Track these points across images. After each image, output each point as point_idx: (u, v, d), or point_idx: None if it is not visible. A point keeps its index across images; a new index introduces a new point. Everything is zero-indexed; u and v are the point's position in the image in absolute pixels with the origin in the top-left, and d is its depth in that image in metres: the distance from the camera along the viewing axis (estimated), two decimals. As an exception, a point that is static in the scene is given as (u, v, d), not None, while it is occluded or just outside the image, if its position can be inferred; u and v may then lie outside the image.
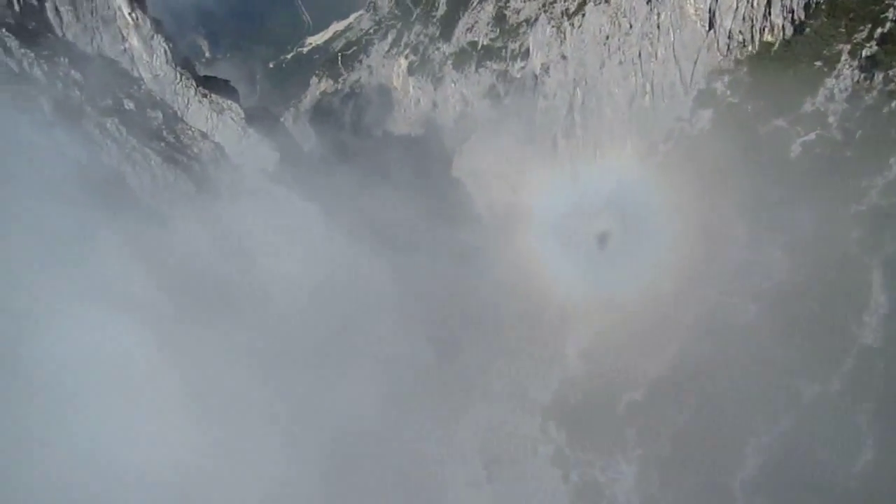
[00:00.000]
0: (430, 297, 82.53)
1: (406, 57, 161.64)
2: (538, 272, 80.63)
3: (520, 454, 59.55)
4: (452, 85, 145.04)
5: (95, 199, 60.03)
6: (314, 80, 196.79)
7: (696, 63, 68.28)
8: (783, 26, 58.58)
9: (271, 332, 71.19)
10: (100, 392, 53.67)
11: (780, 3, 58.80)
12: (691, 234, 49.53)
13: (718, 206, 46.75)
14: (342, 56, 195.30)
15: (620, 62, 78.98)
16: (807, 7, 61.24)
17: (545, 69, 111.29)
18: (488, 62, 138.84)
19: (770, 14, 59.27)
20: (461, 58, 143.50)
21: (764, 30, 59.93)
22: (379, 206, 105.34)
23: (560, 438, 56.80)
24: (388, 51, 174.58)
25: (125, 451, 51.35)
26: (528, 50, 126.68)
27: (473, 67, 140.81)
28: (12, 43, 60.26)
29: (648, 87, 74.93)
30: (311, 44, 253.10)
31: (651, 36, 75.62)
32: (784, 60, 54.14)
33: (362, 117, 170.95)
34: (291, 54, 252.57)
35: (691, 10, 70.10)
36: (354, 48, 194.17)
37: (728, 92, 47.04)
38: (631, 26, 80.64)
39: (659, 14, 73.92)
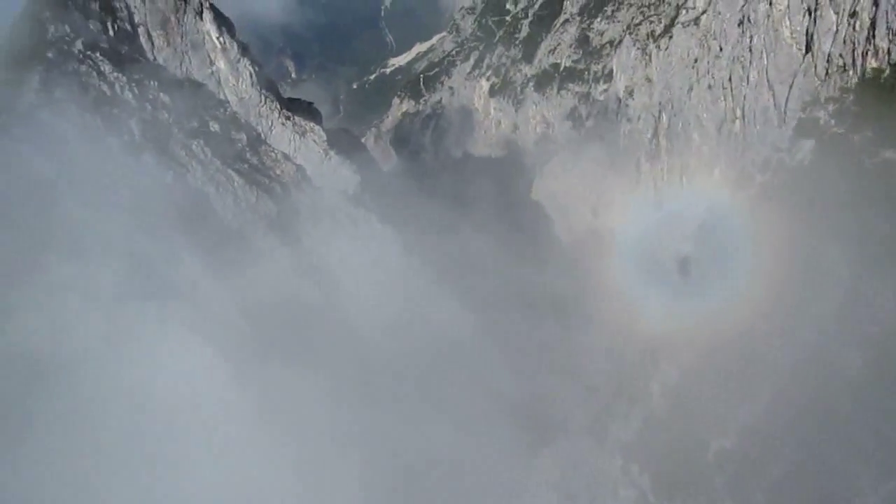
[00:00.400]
0: (510, 329, 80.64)
1: (488, 78, 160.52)
2: (621, 302, 77.76)
3: (599, 494, 56.51)
4: (534, 107, 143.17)
5: (180, 221, 60.47)
6: (396, 101, 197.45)
7: (791, 88, 64.71)
8: (889, 49, 54.71)
9: (350, 358, 70.46)
10: (180, 417, 53.65)
11: (885, 25, 54.93)
12: (789, 270, 45.74)
13: (820, 241, 43.07)
14: (424, 77, 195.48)
15: (709, 86, 75.78)
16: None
17: (629, 92, 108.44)
18: (570, 84, 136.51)
19: (874, 37, 55.45)
20: (543, 80, 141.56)
21: (867, 53, 56.10)
22: (457, 229, 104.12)
23: (643, 483, 53.35)
24: (470, 72, 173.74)
25: (204, 473, 51.24)
26: (611, 72, 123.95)
27: (555, 89, 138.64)
28: (105, 67, 61.38)
29: (739, 113, 71.49)
30: (393, 65, 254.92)
31: (743, 59, 72.28)
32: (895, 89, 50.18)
33: (443, 138, 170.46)
34: (374, 75, 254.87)
35: (787, 33, 66.64)
36: (436, 69, 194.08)
37: (832, 121, 43.62)
38: (721, 49, 77.41)
39: (752, 37, 70.59)
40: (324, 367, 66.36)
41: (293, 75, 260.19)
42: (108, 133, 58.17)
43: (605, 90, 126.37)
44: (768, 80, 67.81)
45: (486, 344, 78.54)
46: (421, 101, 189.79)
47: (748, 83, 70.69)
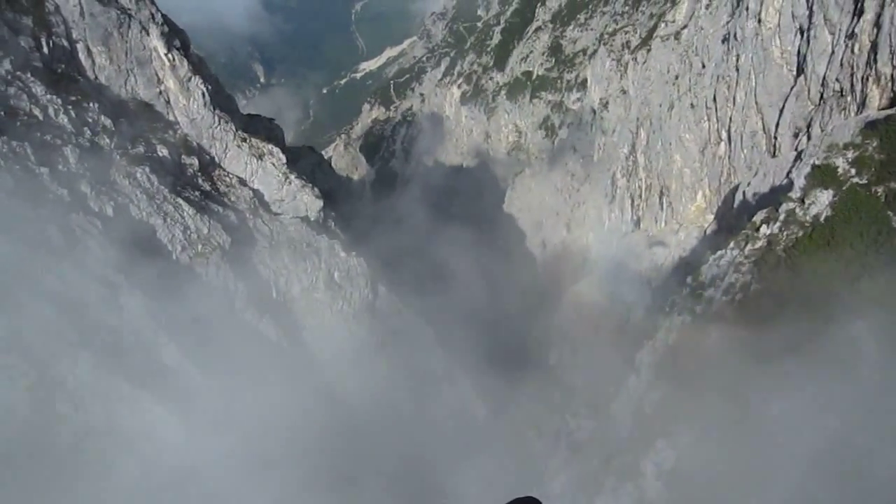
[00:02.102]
0: (482, 375, 74.76)
1: (459, 86, 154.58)
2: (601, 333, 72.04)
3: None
4: (506, 115, 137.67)
5: (122, 258, 53.60)
6: (366, 107, 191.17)
7: (782, 112, 59.26)
8: (892, 76, 49.32)
9: (314, 397, 64.26)
10: (126, 468, 47.47)
11: (888, 49, 49.54)
12: (812, 343, 38.96)
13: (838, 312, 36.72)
14: (394, 84, 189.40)
15: (692, 105, 70.18)
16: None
17: (604, 104, 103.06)
18: (543, 93, 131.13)
19: (876, 62, 50.03)
20: (515, 88, 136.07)
21: (867, 79, 50.69)
22: (428, 251, 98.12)
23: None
24: (441, 79, 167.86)
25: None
26: (585, 81, 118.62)
27: (528, 98, 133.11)
28: (38, 88, 54.12)
29: (724, 135, 66.02)
30: (364, 69, 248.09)
31: (728, 78, 66.78)
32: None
33: (414, 146, 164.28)
34: (345, 80, 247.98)
35: (777, 53, 61.21)
36: (407, 76, 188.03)
37: (852, 171, 38.14)
38: (703, 66, 71.98)
39: (738, 55, 65.07)
40: (286, 406, 60.27)
41: (262, 80, 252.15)
42: (37, 164, 51.07)
43: (579, 99, 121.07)
44: (756, 103, 62.29)
45: (460, 382, 72.86)
46: (391, 107, 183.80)
47: (734, 104, 65.18)
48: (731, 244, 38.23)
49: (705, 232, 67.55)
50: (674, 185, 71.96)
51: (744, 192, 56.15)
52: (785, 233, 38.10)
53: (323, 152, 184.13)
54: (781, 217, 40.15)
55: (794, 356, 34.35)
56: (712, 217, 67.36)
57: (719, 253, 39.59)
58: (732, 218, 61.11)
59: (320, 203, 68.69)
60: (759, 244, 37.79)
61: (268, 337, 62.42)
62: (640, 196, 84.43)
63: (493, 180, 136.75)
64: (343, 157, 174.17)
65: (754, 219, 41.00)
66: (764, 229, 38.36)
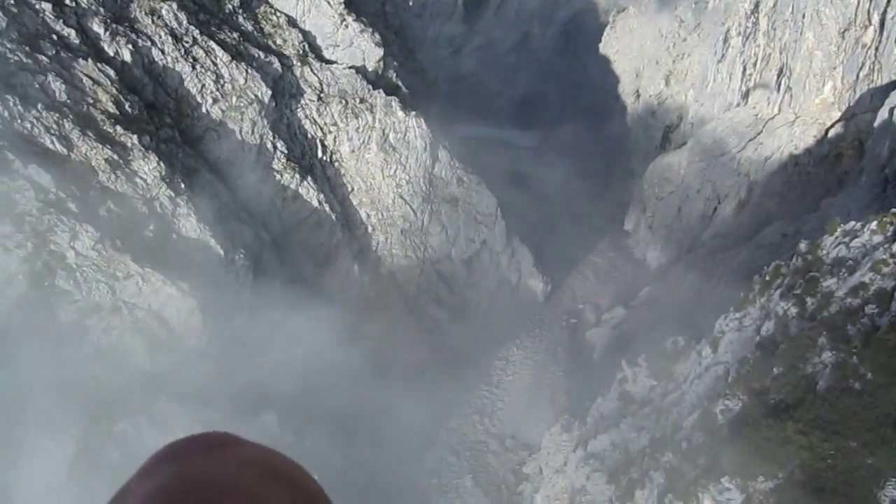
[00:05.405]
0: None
1: None
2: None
3: None
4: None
5: (135, 113, 45.08)
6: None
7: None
8: None
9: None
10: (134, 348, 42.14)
11: None
12: None
13: None
14: None
15: (842, -31, 53.56)
16: None
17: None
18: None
19: None
20: None
21: None
22: (508, 88, 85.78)
23: None
24: None
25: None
26: None
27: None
28: None
29: (876, 19, 50.29)
30: None
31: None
32: None
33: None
34: None
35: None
36: None
37: None
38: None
39: None
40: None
41: None
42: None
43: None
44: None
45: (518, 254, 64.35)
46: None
47: (898, -22, 48.97)
48: (874, 224, 26.68)
49: (826, 133, 53.97)
50: (798, 68, 57.12)
51: (891, 110, 42.41)
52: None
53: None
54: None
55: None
56: (838, 115, 53.46)
57: (852, 225, 28.09)
58: (864, 129, 47.58)
59: (380, 52, 57.53)
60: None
61: (309, 202, 54.42)
62: (755, 66, 69.20)
63: (592, 13, 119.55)
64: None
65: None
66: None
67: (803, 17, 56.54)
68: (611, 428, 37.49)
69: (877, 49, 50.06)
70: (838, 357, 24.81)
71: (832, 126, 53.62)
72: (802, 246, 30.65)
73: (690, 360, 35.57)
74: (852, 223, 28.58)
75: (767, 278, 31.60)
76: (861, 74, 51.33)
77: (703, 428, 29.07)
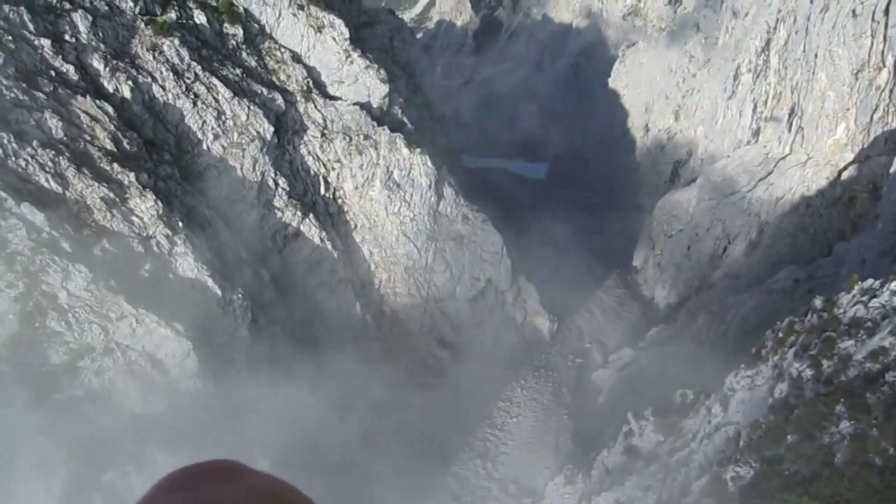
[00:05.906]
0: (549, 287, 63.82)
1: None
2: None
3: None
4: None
5: (134, 150, 44.15)
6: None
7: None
8: None
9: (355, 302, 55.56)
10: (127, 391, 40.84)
11: None
12: None
13: None
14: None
15: (853, 13, 52.41)
16: None
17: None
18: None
19: None
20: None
21: None
22: (516, 122, 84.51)
23: None
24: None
25: None
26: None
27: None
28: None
29: (891, 60, 49.01)
30: None
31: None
32: None
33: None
34: None
35: None
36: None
37: None
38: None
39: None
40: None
41: None
42: (37, 33, 40.88)
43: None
44: (948, 21, 45.14)
45: (524, 293, 62.74)
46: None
47: (912, 19, 47.83)
48: (894, 283, 25.17)
49: (839, 175, 52.43)
50: (810, 108, 55.81)
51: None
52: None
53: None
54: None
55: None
56: (852, 157, 51.97)
57: (870, 284, 26.57)
58: (878, 172, 46.08)
59: (385, 88, 56.63)
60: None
61: (311, 240, 53.27)
62: (766, 104, 67.97)
63: (602, 46, 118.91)
64: (441, 4, 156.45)
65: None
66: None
67: (815, 56, 55.32)
68: (616, 485, 35.75)
69: (891, 91, 48.75)
70: (857, 428, 23.22)
71: (845, 168, 52.12)
72: (818, 302, 29.13)
73: (699, 417, 33.92)
74: (870, 281, 27.09)
75: (781, 335, 30.06)
76: (875, 116, 49.96)
77: (713, 494, 27.41)
